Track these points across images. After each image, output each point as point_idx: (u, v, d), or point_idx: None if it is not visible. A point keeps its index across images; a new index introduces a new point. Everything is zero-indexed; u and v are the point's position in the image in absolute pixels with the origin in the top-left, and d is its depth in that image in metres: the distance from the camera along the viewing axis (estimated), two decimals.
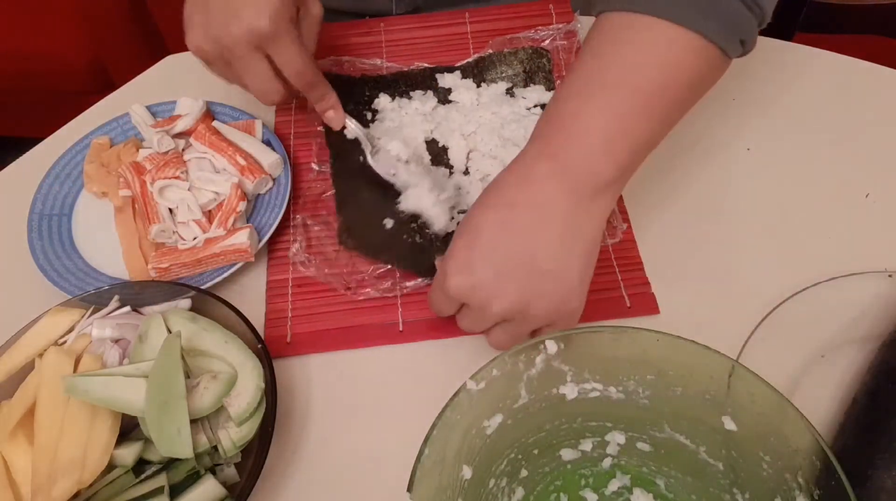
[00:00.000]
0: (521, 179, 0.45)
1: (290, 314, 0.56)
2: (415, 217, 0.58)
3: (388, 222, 0.58)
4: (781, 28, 0.56)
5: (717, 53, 0.46)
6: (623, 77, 0.45)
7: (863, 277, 0.53)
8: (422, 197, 0.58)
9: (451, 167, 0.62)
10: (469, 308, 0.46)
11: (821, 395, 0.49)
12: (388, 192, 0.59)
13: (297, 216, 0.60)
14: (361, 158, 0.61)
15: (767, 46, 0.68)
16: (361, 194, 0.60)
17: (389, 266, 0.57)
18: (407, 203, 0.58)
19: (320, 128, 0.65)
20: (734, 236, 0.58)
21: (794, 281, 0.53)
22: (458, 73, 0.68)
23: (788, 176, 0.61)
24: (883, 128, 0.63)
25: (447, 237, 0.58)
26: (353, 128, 0.61)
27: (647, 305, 0.55)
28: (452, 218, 0.58)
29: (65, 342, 0.50)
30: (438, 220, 0.57)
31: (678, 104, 0.47)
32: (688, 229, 0.58)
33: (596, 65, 0.46)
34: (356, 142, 0.62)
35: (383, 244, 0.57)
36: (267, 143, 0.63)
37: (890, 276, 0.53)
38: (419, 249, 0.57)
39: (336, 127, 0.61)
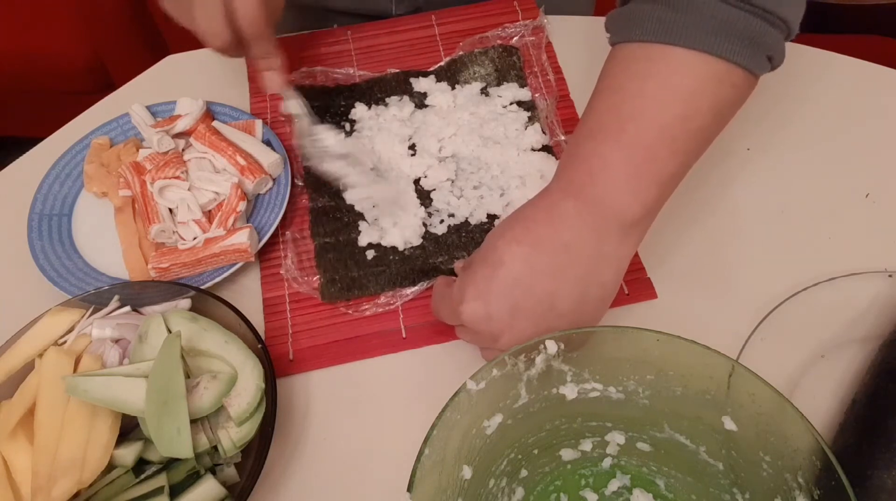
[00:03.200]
0: (548, 215, 0.45)
1: (290, 331, 0.55)
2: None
3: (370, 254, 0.58)
4: None
5: (742, 74, 0.45)
6: (642, 110, 0.44)
7: (863, 277, 0.53)
8: (381, 225, 0.58)
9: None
10: (476, 333, 0.46)
11: (821, 395, 0.49)
12: (355, 229, 0.59)
13: (287, 233, 0.60)
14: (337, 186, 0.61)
15: None
16: (338, 237, 0.59)
17: (387, 292, 0.56)
18: (370, 235, 0.58)
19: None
20: (734, 235, 0.58)
21: (794, 281, 0.53)
22: (431, 77, 0.68)
23: (788, 176, 0.61)
24: (883, 128, 0.63)
25: (433, 237, 0.58)
26: (292, 101, 0.59)
27: (645, 291, 0.55)
28: (426, 227, 0.59)
29: (65, 342, 0.50)
30: (408, 234, 0.57)
31: (703, 133, 0.45)
32: (687, 229, 0.58)
33: (614, 100, 0.45)
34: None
35: (371, 275, 0.57)
36: (267, 143, 0.63)
37: (890, 276, 0.53)
38: (409, 260, 0.57)
39: (271, 90, 0.59)
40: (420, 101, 0.67)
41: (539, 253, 0.43)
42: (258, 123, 0.64)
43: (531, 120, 0.64)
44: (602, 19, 0.74)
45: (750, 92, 0.47)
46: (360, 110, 0.66)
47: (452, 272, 0.56)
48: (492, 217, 0.59)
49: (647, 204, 0.44)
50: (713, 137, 0.47)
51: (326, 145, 0.58)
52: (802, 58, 0.68)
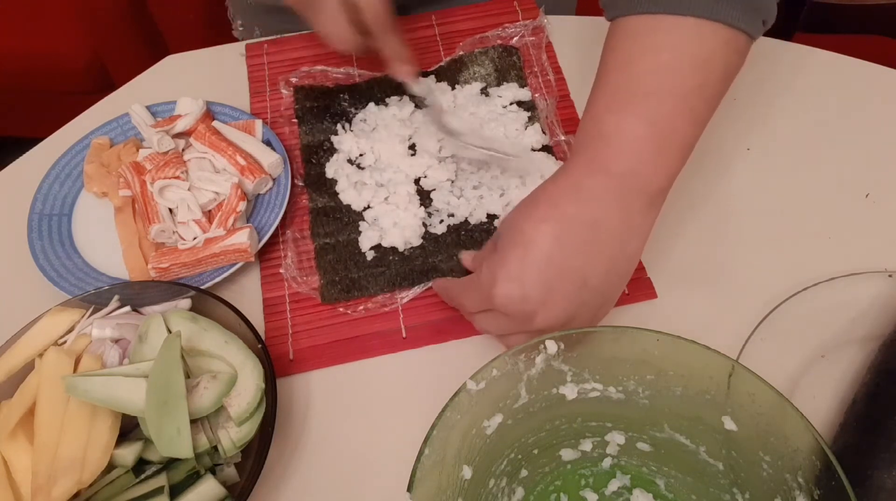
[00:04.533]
0: (575, 192, 0.45)
1: (290, 331, 0.55)
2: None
3: (370, 254, 0.58)
4: (781, 28, 0.56)
5: (745, 39, 0.46)
6: (660, 82, 0.44)
7: (863, 277, 0.53)
8: (381, 226, 0.58)
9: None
10: (505, 316, 0.45)
11: (821, 395, 0.49)
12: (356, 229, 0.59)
13: (287, 233, 0.60)
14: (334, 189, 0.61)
15: (767, 46, 0.68)
16: (339, 236, 0.59)
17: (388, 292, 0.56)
18: (370, 238, 0.58)
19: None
20: (734, 235, 0.58)
21: (794, 281, 0.53)
22: (432, 77, 0.68)
23: (788, 176, 0.61)
24: (883, 128, 0.63)
25: (432, 237, 0.58)
26: (423, 85, 0.62)
27: (645, 290, 0.55)
28: (426, 227, 0.59)
29: (65, 342, 0.50)
30: (408, 234, 0.57)
31: (716, 99, 0.47)
32: (688, 229, 0.58)
33: (628, 74, 0.46)
34: (328, 167, 0.62)
35: (371, 276, 0.57)
36: (267, 143, 0.63)
37: (890, 276, 0.53)
38: (409, 260, 0.57)
39: (402, 79, 0.61)
40: (420, 101, 0.67)
41: (568, 231, 0.44)
42: (258, 123, 0.64)
43: (531, 120, 0.64)
44: (601, 19, 0.74)
45: (745, 57, 0.48)
46: (359, 110, 0.66)
47: (453, 272, 0.56)
48: (492, 217, 0.59)
49: (671, 174, 0.45)
50: (720, 101, 0.48)
51: (452, 128, 0.60)
52: (803, 58, 0.68)
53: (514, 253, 0.44)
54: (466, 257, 0.54)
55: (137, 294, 0.53)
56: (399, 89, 0.67)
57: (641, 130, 0.44)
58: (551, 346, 0.41)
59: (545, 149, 0.62)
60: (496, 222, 0.58)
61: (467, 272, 0.54)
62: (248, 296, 0.57)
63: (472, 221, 0.59)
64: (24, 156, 0.67)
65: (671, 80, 0.44)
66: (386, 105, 0.66)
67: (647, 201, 0.45)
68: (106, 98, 0.70)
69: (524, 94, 0.66)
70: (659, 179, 0.45)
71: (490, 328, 0.49)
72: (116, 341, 0.50)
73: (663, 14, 0.44)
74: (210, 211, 0.59)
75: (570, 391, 0.43)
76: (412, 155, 0.63)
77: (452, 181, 0.61)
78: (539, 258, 0.44)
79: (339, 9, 0.55)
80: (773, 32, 0.63)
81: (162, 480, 0.45)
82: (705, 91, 0.45)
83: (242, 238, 0.55)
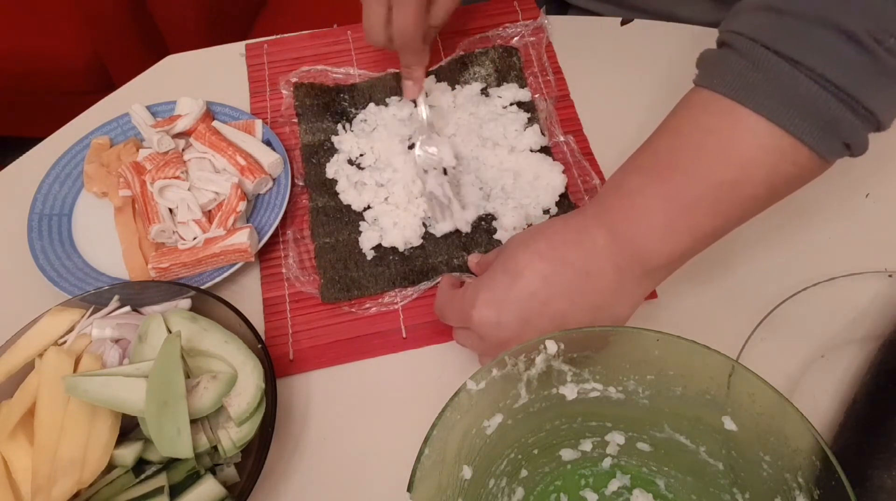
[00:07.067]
0: (577, 238, 0.45)
1: (290, 331, 0.55)
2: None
3: (370, 254, 0.58)
4: None
5: (809, 154, 0.42)
6: (695, 164, 0.43)
7: (863, 277, 0.53)
8: (381, 226, 0.58)
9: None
10: (480, 337, 0.46)
11: (821, 395, 0.49)
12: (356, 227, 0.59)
13: (288, 232, 0.60)
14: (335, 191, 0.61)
15: None
16: (339, 236, 0.59)
17: (388, 292, 0.56)
18: (371, 238, 0.58)
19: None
20: (734, 235, 0.57)
21: (794, 281, 0.53)
22: (432, 77, 0.68)
23: None
24: None
25: (432, 237, 0.58)
26: (422, 108, 0.63)
27: None
28: (426, 227, 0.59)
29: (65, 342, 0.50)
30: (408, 234, 0.57)
31: (752, 202, 0.44)
32: None
33: (673, 143, 0.44)
34: (328, 166, 0.62)
35: (371, 276, 0.57)
36: (267, 143, 0.63)
37: (890, 276, 0.53)
38: (409, 260, 0.57)
39: (407, 96, 0.64)
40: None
41: (560, 273, 0.44)
42: (258, 123, 0.64)
43: (531, 121, 0.64)
44: (603, 19, 0.74)
45: (817, 173, 0.45)
46: (359, 110, 0.66)
47: (454, 270, 0.56)
48: (491, 217, 0.59)
49: (674, 255, 0.44)
50: (763, 207, 0.46)
51: (440, 157, 0.60)
52: None
53: (501, 280, 0.45)
54: (473, 259, 0.54)
55: (137, 294, 0.53)
56: (399, 89, 0.67)
57: (658, 204, 0.43)
58: (551, 346, 0.41)
59: (544, 150, 0.62)
60: (495, 224, 0.58)
61: (471, 272, 0.55)
62: (248, 296, 0.57)
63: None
64: (24, 156, 0.67)
65: (707, 166, 0.43)
66: (386, 105, 0.66)
67: (643, 272, 0.44)
68: (106, 98, 0.70)
69: (524, 94, 0.66)
70: (659, 256, 0.44)
71: (466, 344, 0.49)
72: (116, 341, 0.50)
73: (729, 99, 0.42)
74: (210, 211, 0.59)
75: (570, 391, 0.43)
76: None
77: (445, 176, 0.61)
78: (523, 291, 0.44)
79: (381, 12, 0.58)
80: None
81: (162, 480, 0.45)
82: (738, 190, 0.43)
83: (242, 238, 0.55)
